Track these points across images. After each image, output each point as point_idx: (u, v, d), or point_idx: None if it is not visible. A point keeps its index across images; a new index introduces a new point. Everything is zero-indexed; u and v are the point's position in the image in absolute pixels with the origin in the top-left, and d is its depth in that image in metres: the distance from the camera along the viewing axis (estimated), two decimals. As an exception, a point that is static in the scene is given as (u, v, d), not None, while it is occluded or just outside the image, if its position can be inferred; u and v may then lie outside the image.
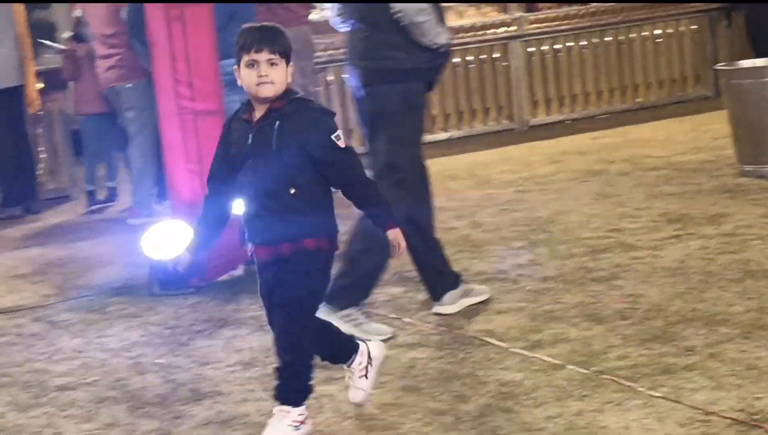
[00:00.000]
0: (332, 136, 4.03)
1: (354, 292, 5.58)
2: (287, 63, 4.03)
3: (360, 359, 4.40)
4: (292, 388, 4.18)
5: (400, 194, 5.39)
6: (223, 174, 4.17)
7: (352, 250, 5.56)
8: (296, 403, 4.18)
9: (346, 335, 4.53)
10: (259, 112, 4.06)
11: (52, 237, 8.78)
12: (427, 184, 5.80)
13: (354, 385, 4.40)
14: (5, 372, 5.53)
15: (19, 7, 9.70)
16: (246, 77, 4.01)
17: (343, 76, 10.77)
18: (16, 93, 9.71)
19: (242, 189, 4.12)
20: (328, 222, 4.17)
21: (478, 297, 5.86)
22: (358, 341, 4.47)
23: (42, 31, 12.14)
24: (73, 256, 7.98)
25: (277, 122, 4.01)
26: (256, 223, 4.12)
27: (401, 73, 5.51)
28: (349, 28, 5.70)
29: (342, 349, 4.44)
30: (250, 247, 4.18)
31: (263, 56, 3.97)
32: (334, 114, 4.20)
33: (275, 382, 4.19)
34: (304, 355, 4.21)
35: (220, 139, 4.25)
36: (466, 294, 5.83)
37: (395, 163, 5.55)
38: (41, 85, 10.01)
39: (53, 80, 10.20)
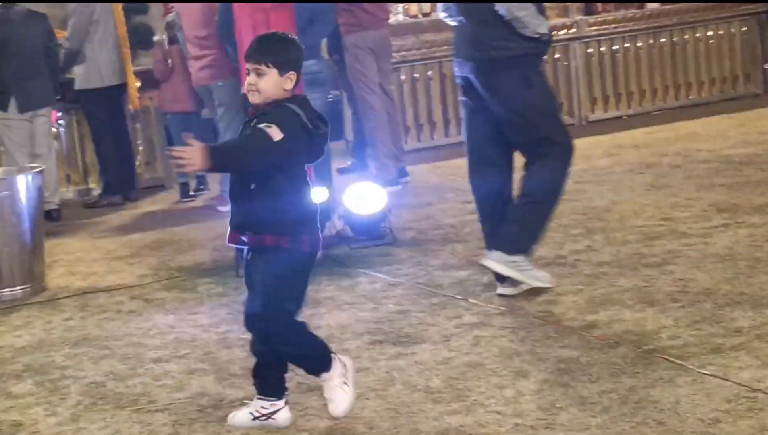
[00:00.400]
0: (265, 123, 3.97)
1: (522, 240, 5.68)
2: (281, 72, 4.01)
3: (340, 369, 4.26)
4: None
5: (554, 164, 5.73)
6: None
7: (520, 202, 5.73)
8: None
9: (320, 346, 4.31)
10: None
11: (148, 223, 8.86)
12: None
13: (334, 396, 4.26)
14: (105, 345, 5.60)
15: (120, 13, 9.79)
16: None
17: (415, 75, 10.79)
18: (118, 91, 9.83)
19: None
20: (294, 221, 4.09)
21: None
22: (332, 354, 4.29)
23: (140, 34, 12.28)
24: (168, 240, 8.04)
25: (254, 121, 4.03)
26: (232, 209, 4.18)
27: (512, 60, 5.62)
28: (456, 24, 5.83)
29: (319, 360, 4.28)
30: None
31: (251, 65, 4.00)
32: (298, 114, 4.03)
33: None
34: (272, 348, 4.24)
35: None
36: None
37: (548, 136, 5.75)
38: (139, 84, 10.10)
39: (150, 79, 10.30)
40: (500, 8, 5.54)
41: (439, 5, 5.96)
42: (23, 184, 6.80)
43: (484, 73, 5.69)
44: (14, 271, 6.77)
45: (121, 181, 9.94)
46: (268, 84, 4.00)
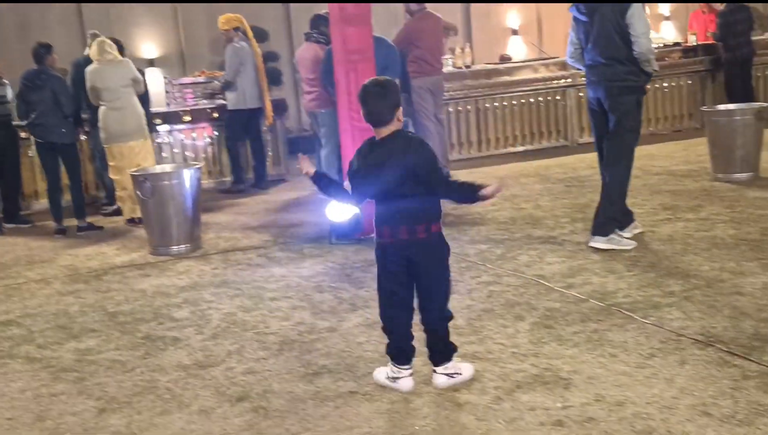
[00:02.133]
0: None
1: (610, 223, 5.80)
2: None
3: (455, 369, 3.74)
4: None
5: (620, 157, 5.74)
6: None
7: (602, 194, 5.88)
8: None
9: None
10: None
11: (272, 205, 8.92)
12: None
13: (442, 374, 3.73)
14: (238, 287, 5.66)
15: (259, 57, 9.80)
16: None
17: (459, 108, 10.72)
18: (258, 111, 9.87)
19: None
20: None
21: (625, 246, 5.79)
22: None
23: (272, 75, 12.38)
24: (285, 218, 8.09)
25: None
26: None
27: (636, 88, 5.68)
28: (582, 66, 5.89)
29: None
30: None
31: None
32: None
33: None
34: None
35: None
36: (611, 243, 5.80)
37: (627, 142, 5.75)
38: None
39: (278, 106, 10.37)
40: (639, 50, 5.53)
41: (569, 52, 5.97)
42: (188, 175, 6.89)
43: (612, 96, 5.67)
44: (180, 234, 6.86)
45: (254, 175, 10.03)
46: None
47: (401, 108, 3.63)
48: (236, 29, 9.79)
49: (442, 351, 3.73)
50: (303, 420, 3.51)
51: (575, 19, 5.86)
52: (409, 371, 3.72)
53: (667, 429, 3.17)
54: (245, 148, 10.19)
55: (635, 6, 5.57)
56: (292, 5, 12.99)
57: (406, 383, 3.70)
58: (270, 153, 10.55)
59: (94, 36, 9.26)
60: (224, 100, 9.97)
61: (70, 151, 8.09)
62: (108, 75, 8.17)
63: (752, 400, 3.34)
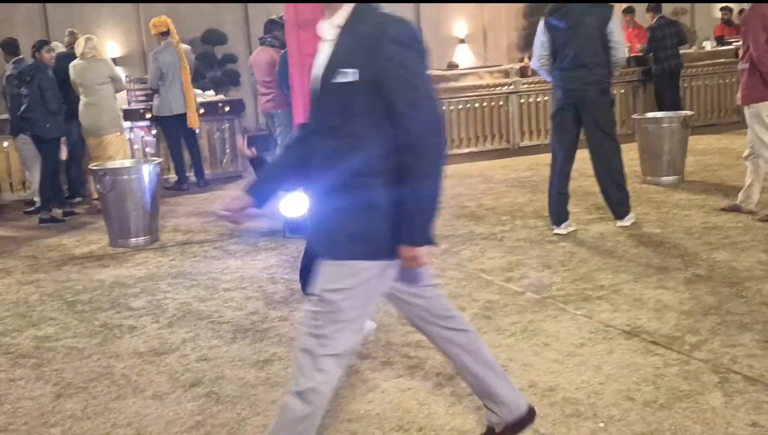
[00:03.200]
0: None
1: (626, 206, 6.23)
2: None
3: None
4: None
5: (613, 150, 6.09)
6: None
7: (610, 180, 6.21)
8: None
9: None
10: None
11: (216, 200, 8.77)
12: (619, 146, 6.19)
13: None
14: (194, 278, 5.61)
15: (184, 62, 9.36)
16: None
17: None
18: (183, 117, 9.41)
19: None
20: None
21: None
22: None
23: (230, 77, 12.20)
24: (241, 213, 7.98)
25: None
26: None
27: (609, 89, 6.03)
28: (547, 74, 6.09)
29: None
30: None
31: None
32: None
33: None
34: None
35: None
36: (632, 218, 6.26)
37: (612, 136, 6.06)
38: (202, 111, 9.83)
39: (236, 105, 10.23)
40: (618, 58, 5.89)
41: (535, 62, 6.12)
42: (146, 170, 6.80)
43: (594, 97, 5.92)
44: (139, 227, 6.78)
45: (195, 175, 9.74)
46: None
47: None
48: (163, 34, 9.36)
49: None
50: (253, 405, 3.50)
51: (552, 28, 5.99)
52: None
53: (594, 413, 3.22)
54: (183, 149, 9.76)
55: (616, 17, 5.96)
56: (250, 7, 12.87)
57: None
58: (228, 150, 10.44)
59: (72, 34, 9.13)
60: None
61: (50, 146, 7.97)
62: (86, 71, 8.18)
63: (673, 386, 3.42)
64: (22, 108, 7.87)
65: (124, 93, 10.24)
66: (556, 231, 6.13)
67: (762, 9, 5.90)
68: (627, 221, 6.25)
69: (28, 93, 7.84)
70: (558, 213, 6.20)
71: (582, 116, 6.01)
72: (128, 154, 8.54)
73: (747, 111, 6.14)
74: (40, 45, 8.07)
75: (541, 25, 6.06)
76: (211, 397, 3.59)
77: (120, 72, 8.94)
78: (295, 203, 6.47)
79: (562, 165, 6.18)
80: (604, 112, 6.01)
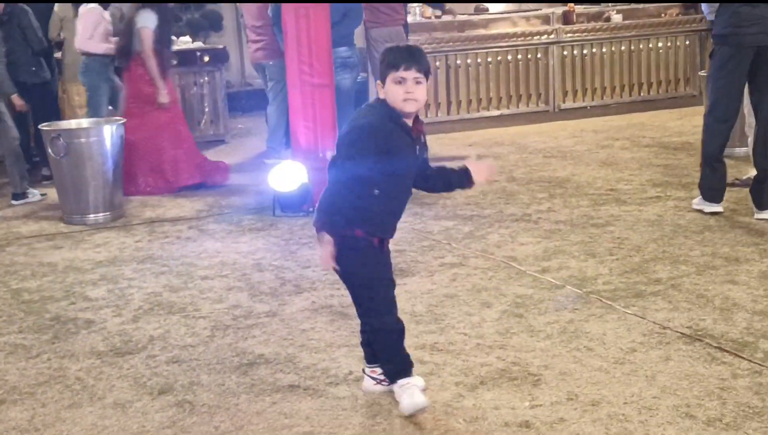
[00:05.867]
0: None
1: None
2: (427, 81, 3.36)
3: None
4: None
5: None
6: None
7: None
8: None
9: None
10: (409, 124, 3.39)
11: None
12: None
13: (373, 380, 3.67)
14: (165, 263, 5.63)
15: None
16: (393, 92, 3.29)
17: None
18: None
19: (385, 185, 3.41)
20: None
21: None
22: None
23: (211, 20, 12.15)
24: (222, 185, 8.01)
25: (422, 137, 3.45)
26: (394, 217, 3.62)
27: None
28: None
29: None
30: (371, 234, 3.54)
31: (411, 74, 3.28)
32: None
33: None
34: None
35: (376, 133, 3.31)
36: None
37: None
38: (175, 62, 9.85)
39: (218, 54, 10.22)
40: None
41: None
42: (108, 132, 6.81)
43: None
44: (98, 200, 6.79)
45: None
46: (424, 93, 3.32)
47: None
48: None
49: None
50: (234, 417, 3.51)
51: None
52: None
53: (646, 432, 3.23)
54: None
55: None
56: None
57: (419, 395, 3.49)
58: (206, 109, 10.45)
59: None
60: None
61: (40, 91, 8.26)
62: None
63: (741, 402, 3.41)
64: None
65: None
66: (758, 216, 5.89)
67: None
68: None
69: (7, 36, 7.96)
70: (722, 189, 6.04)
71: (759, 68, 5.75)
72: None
73: None
74: None
75: None
76: (183, 407, 3.61)
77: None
78: (286, 175, 6.50)
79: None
80: None
